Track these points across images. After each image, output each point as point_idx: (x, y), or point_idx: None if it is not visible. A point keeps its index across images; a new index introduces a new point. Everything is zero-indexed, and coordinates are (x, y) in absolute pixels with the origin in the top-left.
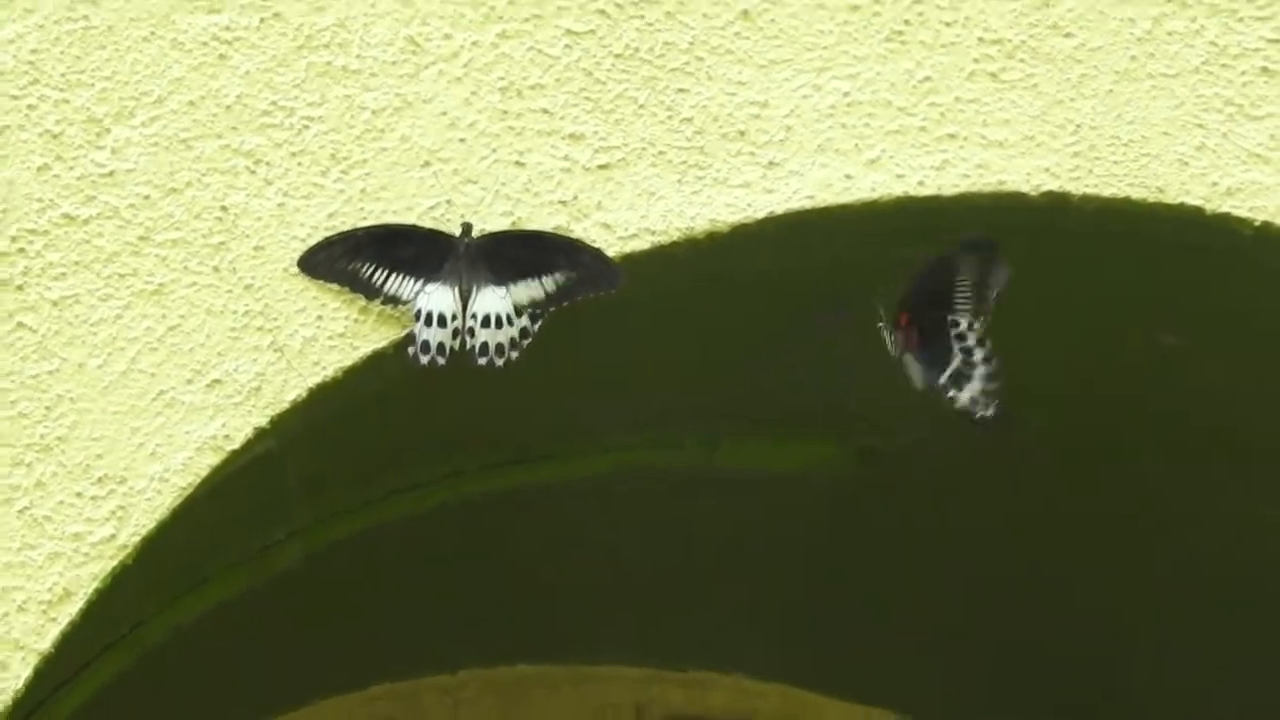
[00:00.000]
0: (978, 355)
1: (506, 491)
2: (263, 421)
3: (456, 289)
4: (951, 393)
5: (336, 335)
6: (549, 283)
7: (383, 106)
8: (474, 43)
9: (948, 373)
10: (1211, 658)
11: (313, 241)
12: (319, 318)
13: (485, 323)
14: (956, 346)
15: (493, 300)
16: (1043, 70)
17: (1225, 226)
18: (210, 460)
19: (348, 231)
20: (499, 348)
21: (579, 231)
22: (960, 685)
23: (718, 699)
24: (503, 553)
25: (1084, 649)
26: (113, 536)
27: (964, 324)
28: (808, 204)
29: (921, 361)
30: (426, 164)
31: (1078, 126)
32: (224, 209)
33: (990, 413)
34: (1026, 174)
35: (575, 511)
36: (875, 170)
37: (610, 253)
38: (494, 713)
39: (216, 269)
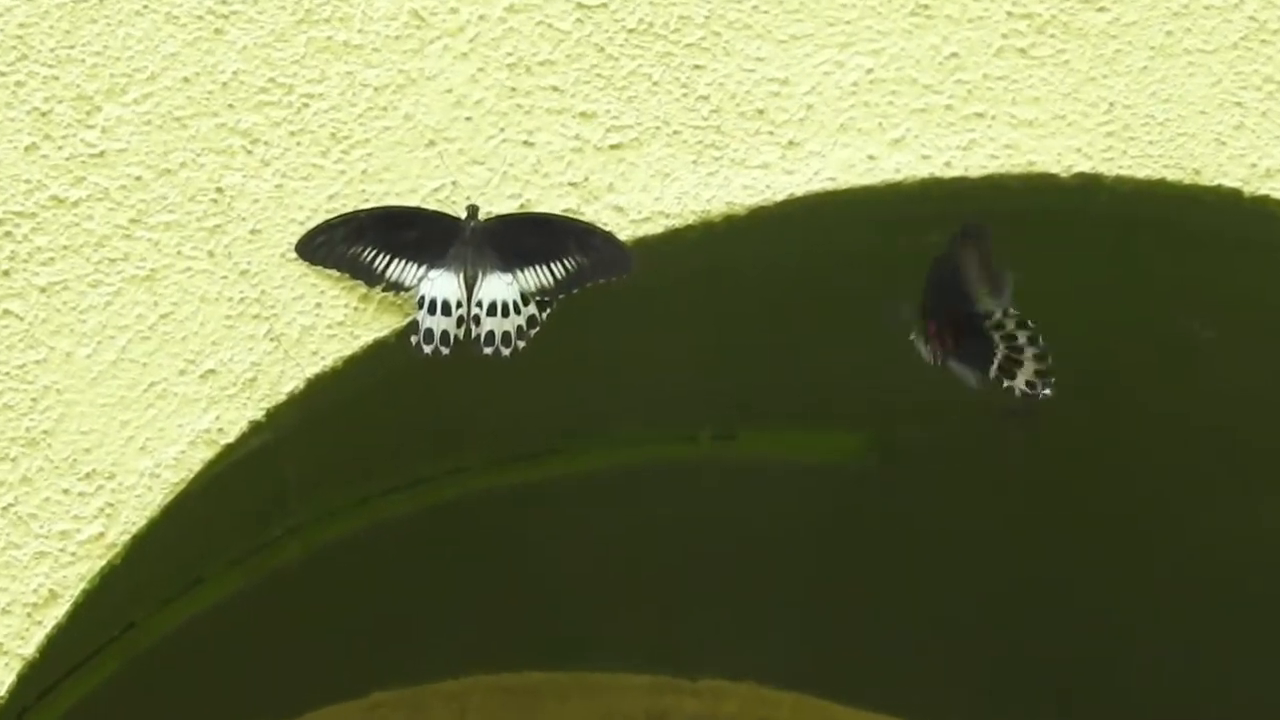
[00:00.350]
0: (1022, 337)
1: (513, 488)
2: (259, 414)
3: (461, 275)
4: (1007, 383)
5: (336, 324)
6: (558, 268)
7: (385, 83)
8: (481, 17)
9: (995, 364)
10: (1223, 660)
11: (312, 225)
12: (318, 305)
13: (491, 310)
14: (996, 335)
15: (499, 287)
16: (1074, 46)
17: (1264, 210)
18: (204, 455)
19: (348, 214)
20: (505, 336)
21: (590, 214)
22: (981, 694)
23: (731, 707)
24: (509, 553)
25: (1110, 656)
26: (101, 535)
27: (998, 312)
28: (829, 186)
29: (965, 362)
30: (431, 143)
31: (1111, 105)
32: (219, 191)
33: (1049, 391)
34: (1057, 154)
35: (584, 510)
36: (899, 150)
37: (622, 237)
38: None
39: (211, 254)
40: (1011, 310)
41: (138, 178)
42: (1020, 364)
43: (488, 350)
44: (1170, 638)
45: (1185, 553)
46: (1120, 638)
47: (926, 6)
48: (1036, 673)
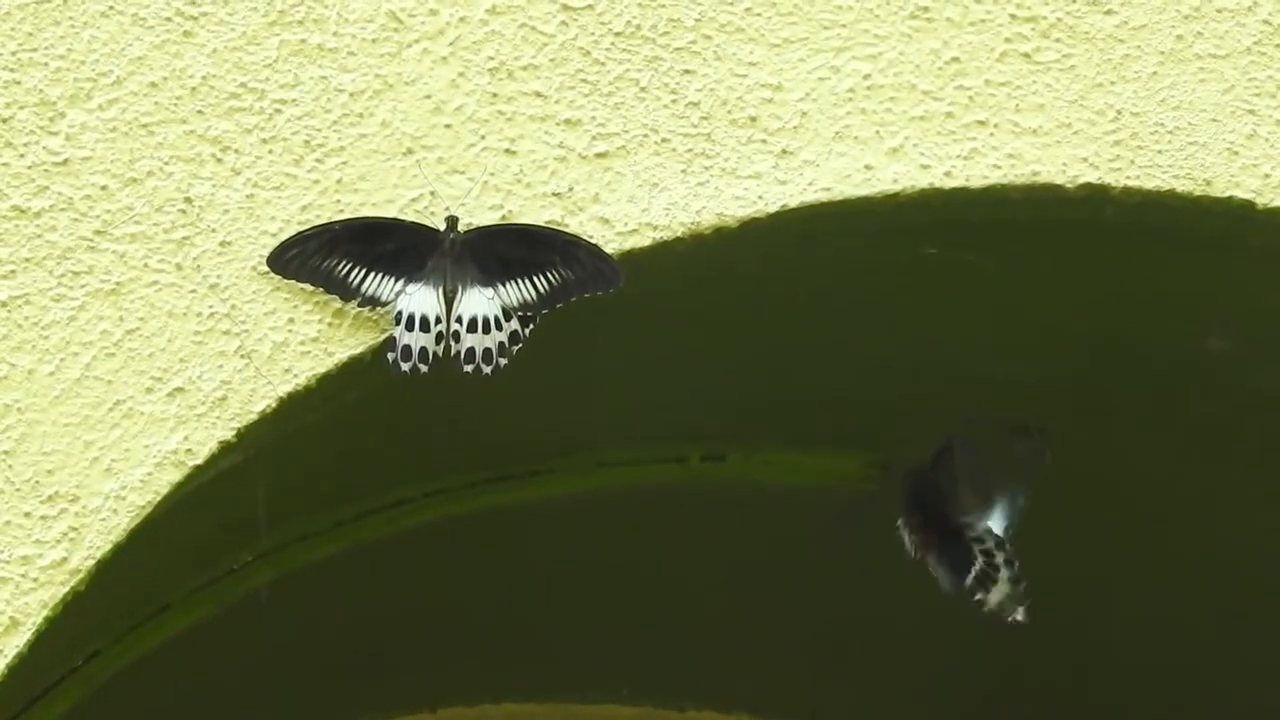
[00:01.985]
0: (999, 557)
1: (494, 511)
2: (229, 434)
3: (440, 289)
4: (978, 595)
5: (309, 340)
6: (542, 282)
7: (361, 89)
8: (461, 19)
9: (972, 575)
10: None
11: (284, 237)
12: (290, 321)
13: (471, 326)
14: (976, 549)
15: (480, 301)
16: (1081, 50)
17: (1278, 222)
18: (171, 476)
19: (322, 226)
20: (486, 354)
21: (575, 226)
22: None
23: None
24: (489, 579)
25: (1124, 686)
26: (64, 560)
27: (979, 526)
28: (824, 196)
29: (945, 563)
30: (409, 152)
31: (1118, 112)
32: (188, 201)
33: (1020, 617)
34: (1062, 164)
35: (568, 534)
36: (897, 160)
37: (609, 249)
38: None
39: (179, 266)
40: (993, 530)
41: (103, 187)
42: (995, 582)
43: (468, 368)
44: (1178, 664)
45: (1188, 568)
46: (1125, 663)
47: (926, 9)
48: (1040, 701)
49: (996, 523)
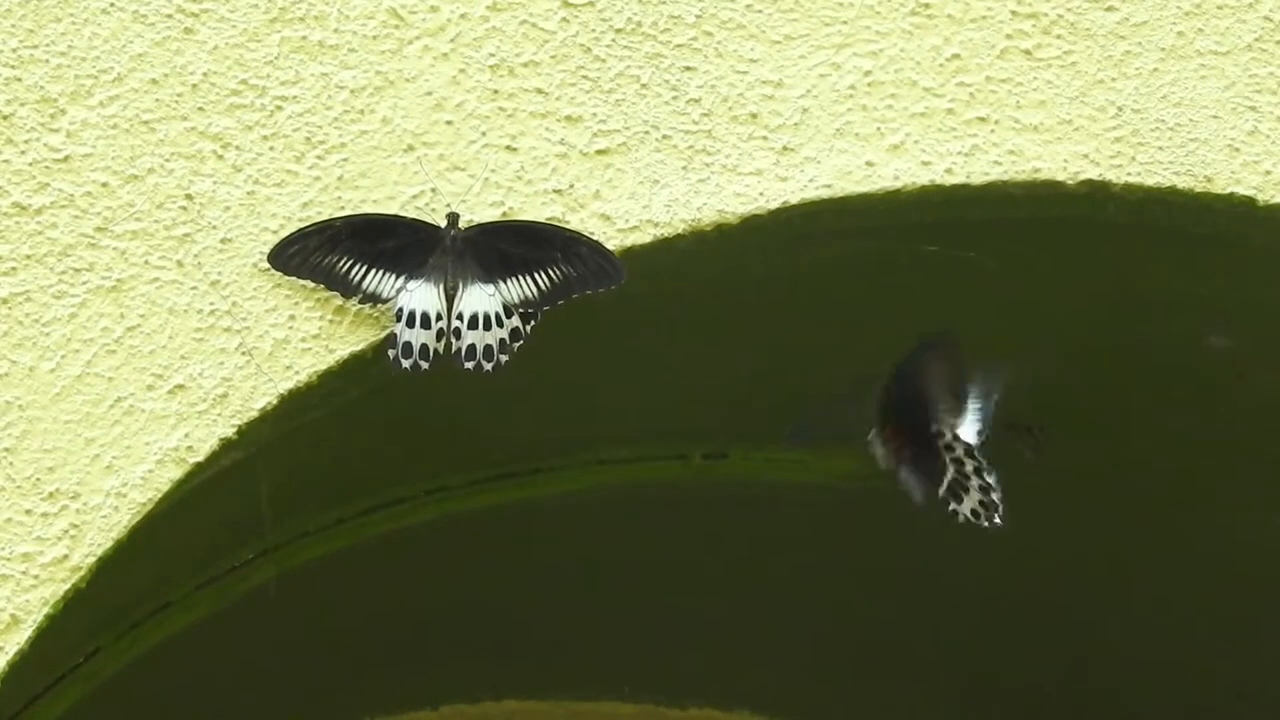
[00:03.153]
0: (969, 466)
1: (494, 509)
2: (230, 431)
3: (441, 286)
4: (951, 506)
5: (310, 337)
6: (543, 279)
7: (362, 85)
8: (462, 16)
9: (944, 485)
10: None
11: (285, 233)
12: (291, 318)
13: (472, 323)
14: (946, 457)
15: (481, 298)
16: (1082, 47)
17: (1278, 218)
18: (172, 474)
19: (323, 222)
20: (487, 350)
21: (575, 223)
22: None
23: None
24: (490, 577)
25: (1114, 680)
26: (65, 557)
27: (948, 434)
28: (825, 193)
29: (917, 474)
30: (410, 148)
31: (1119, 109)
32: (189, 197)
33: (997, 523)
34: (1063, 161)
35: (569, 531)
36: (898, 156)
37: (610, 246)
38: None
39: (180, 263)
40: (961, 431)
41: (104, 184)
42: (967, 490)
43: (469, 365)
44: (1172, 664)
45: (1189, 567)
46: (1123, 661)
47: (927, 6)
48: (1041, 700)
49: (968, 430)
